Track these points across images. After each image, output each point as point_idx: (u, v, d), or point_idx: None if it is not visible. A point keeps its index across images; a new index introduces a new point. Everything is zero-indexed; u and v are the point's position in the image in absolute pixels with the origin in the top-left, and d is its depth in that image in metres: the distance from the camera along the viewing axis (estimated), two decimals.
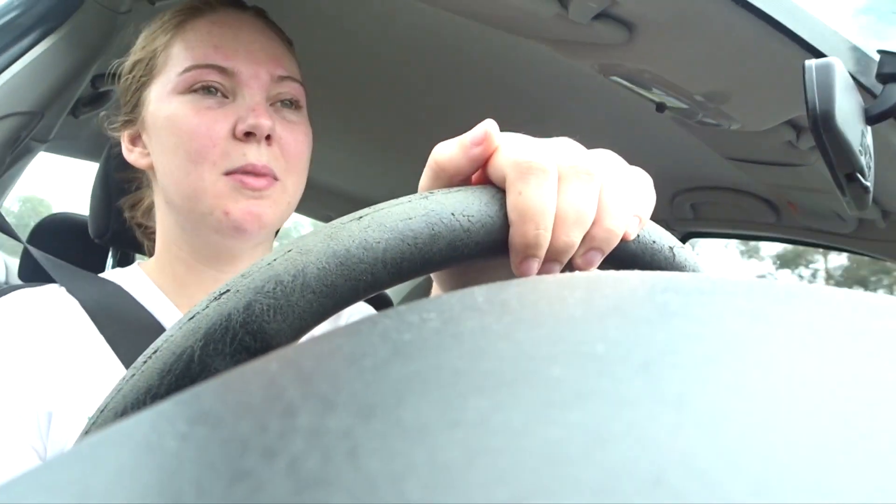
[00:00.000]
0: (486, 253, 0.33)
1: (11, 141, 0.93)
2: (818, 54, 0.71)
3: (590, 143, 0.39)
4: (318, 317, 0.30)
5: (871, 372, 0.13)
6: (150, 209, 0.81)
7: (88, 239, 0.98)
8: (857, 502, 0.09)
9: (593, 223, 0.35)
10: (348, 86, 1.18)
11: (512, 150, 0.34)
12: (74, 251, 1.03)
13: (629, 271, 0.19)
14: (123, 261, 1.20)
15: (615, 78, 0.90)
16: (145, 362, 0.29)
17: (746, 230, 1.35)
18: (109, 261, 1.20)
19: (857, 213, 0.68)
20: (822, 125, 0.55)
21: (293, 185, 0.70)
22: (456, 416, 0.11)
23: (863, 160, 0.60)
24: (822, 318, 0.16)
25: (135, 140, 0.74)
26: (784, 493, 0.09)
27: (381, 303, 0.88)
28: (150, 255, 0.83)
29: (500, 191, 0.34)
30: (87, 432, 0.29)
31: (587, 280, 0.18)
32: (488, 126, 0.36)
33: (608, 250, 0.35)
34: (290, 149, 0.69)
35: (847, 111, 0.57)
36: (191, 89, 0.67)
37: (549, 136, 0.40)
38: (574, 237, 0.34)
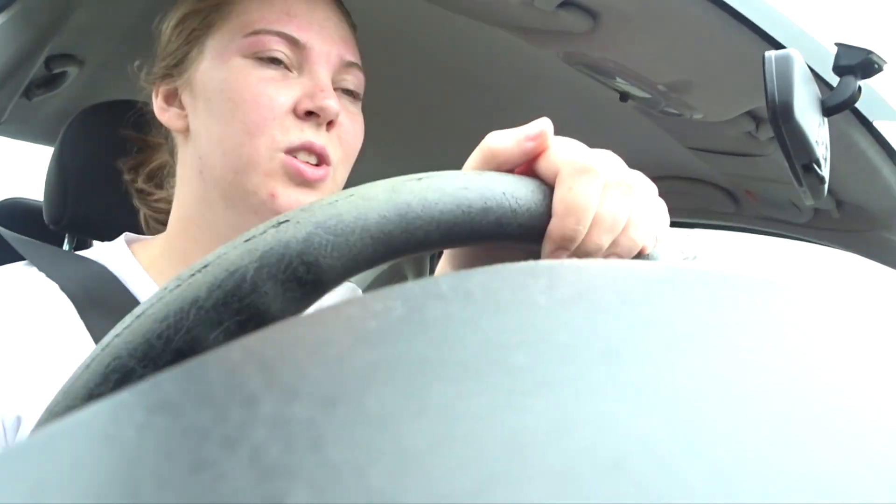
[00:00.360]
0: (525, 236, 0.36)
1: None
2: (778, 46, 0.73)
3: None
4: (371, 261, 0.31)
5: (826, 358, 0.13)
6: (154, 174, 0.75)
7: (43, 225, 0.95)
8: (812, 485, 0.09)
9: (621, 231, 0.38)
10: None
11: (568, 151, 0.38)
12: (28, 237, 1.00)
13: (592, 259, 0.20)
14: (80, 248, 1.17)
15: (580, 67, 0.90)
16: (193, 275, 0.29)
17: (706, 219, 1.38)
18: (65, 248, 1.17)
19: (813, 203, 0.70)
20: (780, 116, 0.56)
21: (342, 174, 0.66)
22: (420, 404, 0.11)
23: (819, 151, 0.61)
24: (781, 306, 0.16)
25: (170, 98, 0.67)
26: (741, 477, 0.09)
27: None
28: (146, 225, 0.78)
29: (543, 184, 0.37)
30: (117, 335, 0.29)
31: (550, 268, 0.18)
32: (545, 124, 0.39)
33: (627, 258, 0.38)
34: (348, 137, 0.65)
35: (805, 103, 0.58)
36: (255, 54, 0.62)
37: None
38: (604, 240, 0.37)
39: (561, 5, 0.75)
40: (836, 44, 0.66)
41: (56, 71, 1.07)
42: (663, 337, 0.14)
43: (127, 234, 0.72)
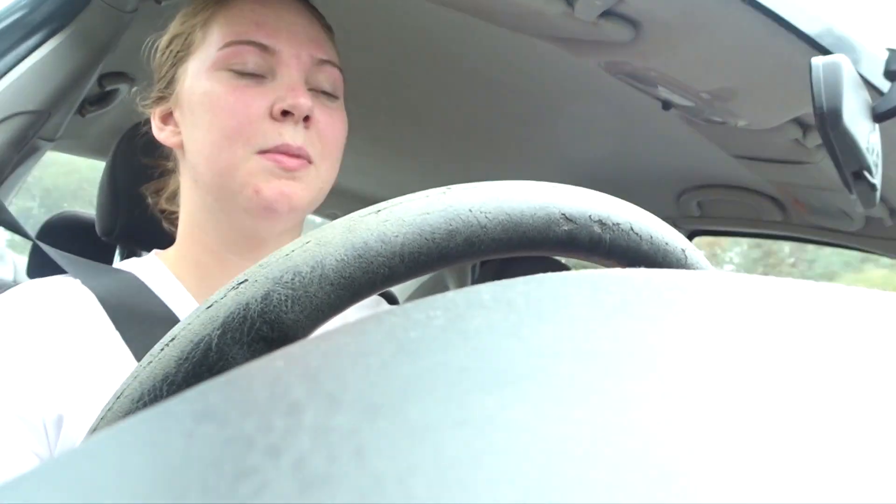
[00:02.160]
0: (502, 249, 0.34)
1: (18, 140, 0.94)
2: (825, 52, 0.71)
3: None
4: (335, 308, 0.30)
5: (878, 370, 0.13)
6: (175, 194, 0.79)
7: (96, 237, 0.98)
8: (856, 501, 0.09)
9: None
10: (353, 85, 1.18)
11: None
12: (82, 250, 1.03)
13: (635, 269, 0.19)
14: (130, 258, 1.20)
15: (621, 76, 0.89)
16: (162, 349, 0.29)
17: (753, 228, 1.35)
18: (117, 259, 1.20)
19: (865, 210, 0.68)
20: (829, 123, 0.55)
21: (326, 170, 0.69)
22: (462, 414, 0.11)
23: (870, 158, 0.59)
24: (829, 314, 0.16)
25: (166, 118, 0.72)
26: (794, 487, 0.09)
27: (387, 301, 0.88)
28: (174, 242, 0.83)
29: (518, 187, 0.35)
30: (102, 418, 0.29)
31: (593, 278, 0.18)
32: None
33: None
34: (327, 133, 0.68)
35: (854, 109, 0.57)
36: (229, 66, 0.66)
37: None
38: None
39: (602, 15, 0.75)
40: (888, 49, 0.65)
41: (108, 88, 1.11)
42: (707, 346, 0.14)
43: (156, 250, 0.77)
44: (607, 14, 0.75)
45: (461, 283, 1.83)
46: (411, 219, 0.31)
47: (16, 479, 0.12)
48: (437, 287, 1.86)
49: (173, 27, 0.73)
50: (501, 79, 1.10)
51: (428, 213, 0.32)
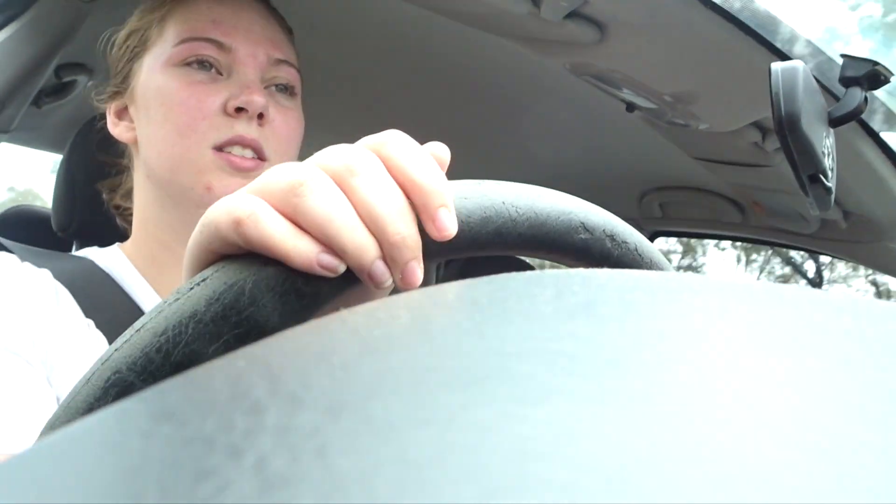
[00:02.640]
0: (525, 247, 0.35)
1: None
2: (784, 57, 0.73)
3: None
4: None
5: (832, 369, 0.13)
6: (130, 191, 0.78)
7: (51, 232, 0.96)
8: (817, 501, 0.09)
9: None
10: (320, 81, 1.17)
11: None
12: (37, 244, 1.01)
13: (598, 269, 0.20)
14: None
15: (586, 77, 0.90)
16: (192, 288, 0.29)
17: (713, 230, 1.37)
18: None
19: (820, 213, 0.69)
20: (787, 127, 0.56)
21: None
22: (425, 413, 0.11)
23: (826, 162, 0.61)
24: (787, 316, 0.16)
25: (121, 113, 0.72)
26: (747, 493, 0.09)
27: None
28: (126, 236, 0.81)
29: (546, 191, 0.36)
30: (117, 349, 0.29)
31: (557, 278, 0.18)
32: None
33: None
34: (282, 131, 0.68)
35: (811, 114, 0.58)
36: (184, 62, 0.66)
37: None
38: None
39: (568, 16, 0.76)
40: (842, 55, 0.66)
41: (66, 79, 1.08)
42: (670, 347, 0.14)
43: (118, 243, 0.75)
44: (573, 15, 0.76)
45: (425, 283, 1.83)
46: (457, 202, 0.33)
47: None
48: None
49: (131, 22, 0.72)
50: (469, 78, 1.10)
51: (466, 198, 0.33)
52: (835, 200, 0.68)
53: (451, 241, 0.32)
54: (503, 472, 0.10)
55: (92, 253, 0.72)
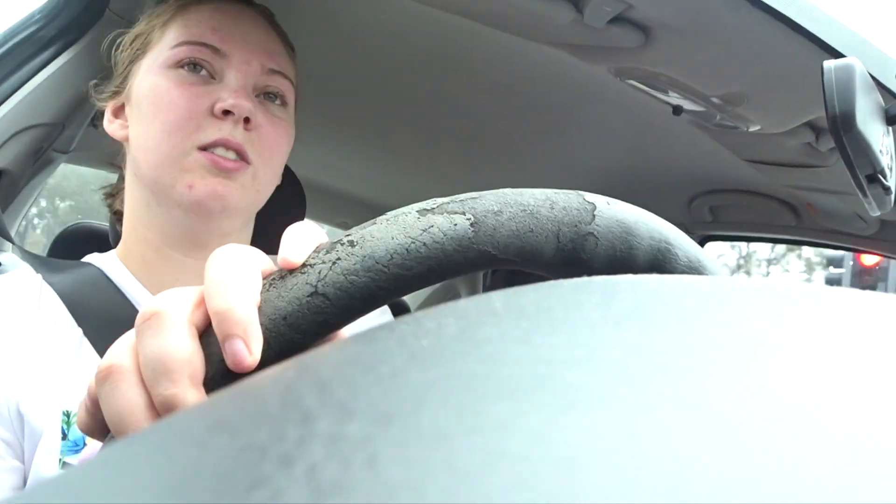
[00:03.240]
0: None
1: (34, 152, 0.95)
2: (836, 55, 0.71)
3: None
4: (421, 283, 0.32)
5: (892, 373, 0.13)
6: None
7: (109, 248, 0.99)
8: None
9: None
10: (361, 93, 1.18)
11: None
12: None
13: (646, 275, 0.19)
14: None
15: (631, 81, 0.89)
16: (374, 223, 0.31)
17: (766, 233, 1.34)
18: None
19: (879, 214, 0.67)
20: (841, 127, 0.55)
21: (265, 175, 0.70)
22: (474, 421, 0.11)
23: (884, 161, 0.59)
24: (844, 320, 0.15)
25: (117, 112, 0.74)
26: (810, 501, 0.09)
27: (399, 311, 0.88)
28: None
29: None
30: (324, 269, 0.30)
31: (604, 284, 0.18)
32: None
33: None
34: (268, 138, 0.69)
35: (867, 112, 0.56)
36: (179, 64, 0.68)
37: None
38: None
39: (611, 21, 0.75)
40: None
41: None
42: (721, 353, 0.14)
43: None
44: (616, 20, 0.75)
45: (473, 291, 1.83)
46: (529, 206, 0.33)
47: (28, 490, 0.12)
48: (449, 295, 1.86)
49: (137, 27, 0.74)
50: (512, 86, 1.10)
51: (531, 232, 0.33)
52: (895, 200, 0.66)
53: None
54: (553, 480, 0.09)
55: (94, 258, 0.74)
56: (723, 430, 0.11)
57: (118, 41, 0.76)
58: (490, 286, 1.62)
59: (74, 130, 1.02)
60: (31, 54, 0.86)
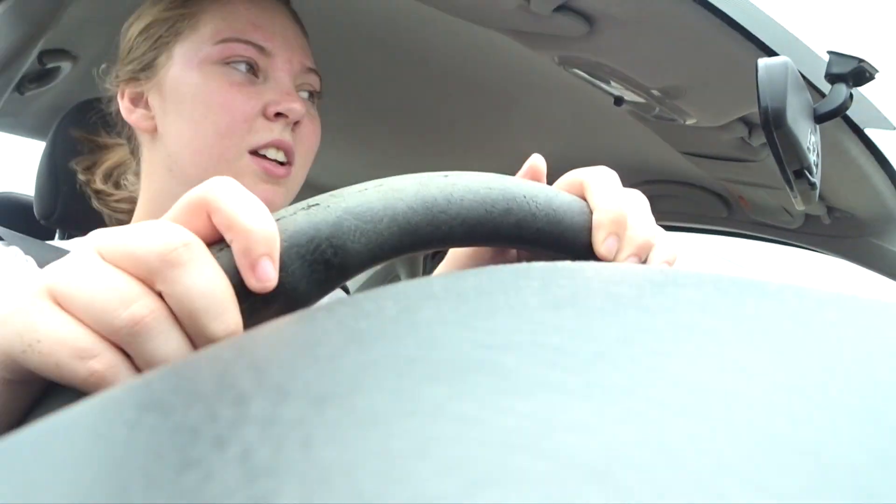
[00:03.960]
0: (540, 242, 0.36)
1: None
2: (771, 53, 0.73)
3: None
4: (396, 251, 0.32)
5: (815, 363, 0.13)
6: (109, 173, 0.77)
7: (33, 220, 0.95)
8: (800, 501, 0.09)
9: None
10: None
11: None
12: (20, 232, 0.99)
13: (584, 262, 0.20)
14: None
15: (575, 70, 0.90)
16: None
17: (699, 224, 1.38)
18: (56, 242, 1.16)
19: (804, 208, 0.70)
20: (773, 122, 0.57)
21: (300, 175, 0.70)
22: (410, 405, 0.11)
23: (811, 157, 0.61)
24: (770, 310, 0.16)
25: (136, 100, 0.71)
26: (725, 489, 0.09)
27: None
28: (108, 225, 0.80)
29: (562, 193, 0.39)
30: None
31: (543, 270, 0.18)
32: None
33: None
34: (309, 139, 0.70)
35: (797, 109, 0.59)
36: (224, 61, 0.66)
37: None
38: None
39: (557, 9, 0.75)
40: (829, 52, 0.67)
41: (49, 66, 1.07)
42: (654, 341, 0.14)
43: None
44: (562, 8, 0.76)
45: (413, 275, 1.83)
46: (476, 188, 0.34)
47: None
48: (389, 278, 1.85)
49: (151, 11, 0.71)
50: (455, 71, 1.10)
51: (490, 189, 0.34)
52: (819, 196, 0.69)
53: (475, 227, 0.33)
54: (487, 464, 0.10)
55: (77, 245, 0.71)
56: (654, 417, 0.11)
57: (128, 24, 0.73)
58: (429, 270, 1.63)
59: None
60: None
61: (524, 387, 0.12)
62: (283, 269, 0.29)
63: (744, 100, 0.85)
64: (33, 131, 1.39)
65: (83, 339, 0.27)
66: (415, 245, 0.32)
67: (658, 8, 0.73)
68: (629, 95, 0.92)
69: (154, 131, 0.70)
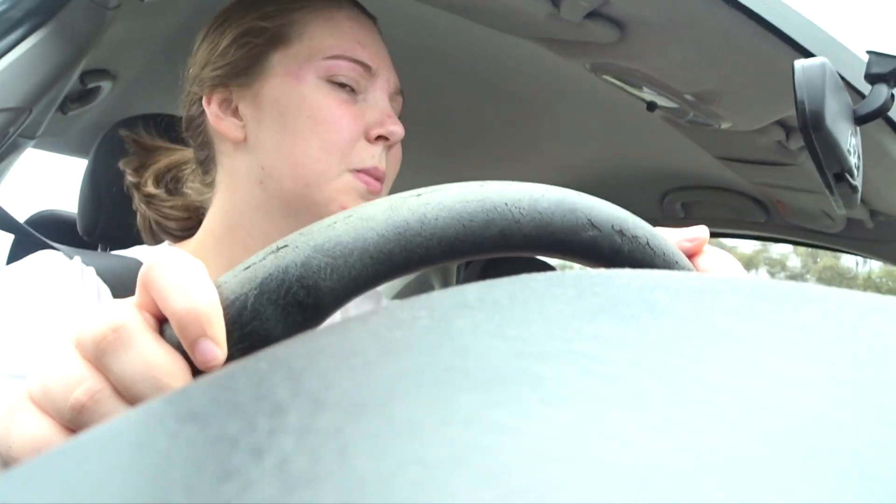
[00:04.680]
0: (530, 246, 0.35)
1: None
2: (808, 54, 0.72)
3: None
4: (371, 282, 0.31)
5: (859, 371, 0.13)
6: (161, 176, 0.76)
7: (77, 237, 0.97)
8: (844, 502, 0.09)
9: None
10: None
11: (713, 263, 0.43)
12: None
13: (619, 269, 0.20)
14: None
15: (607, 77, 0.90)
16: None
17: (737, 229, 1.36)
18: None
19: (846, 212, 0.68)
20: (811, 125, 0.56)
21: (387, 192, 0.70)
22: (446, 414, 0.11)
23: (851, 160, 0.60)
24: (812, 316, 0.16)
25: (223, 107, 0.70)
26: (769, 499, 0.09)
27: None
28: (149, 231, 0.78)
29: (547, 192, 0.36)
30: None
31: (578, 278, 0.18)
32: (702, 232, 0.43)
33: None
34: (395, 161, 0.70)
35: (836, 111, 0.57)
36: (331, 77, 0.66)
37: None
38: None
39: (588, 16, 0.75)
40: (868, 52, 0.65)
41: (90, 86, 1.09)
42: (691, 348, 0.14)
43: (168, 242, 0.75)
44: (593, 15, 0.75)
45: (446, 284, 1.83)
46: (451, 203, 0.33)
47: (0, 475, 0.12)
48: (423, 287, 1.86)
49: (244, 20, 0.70)
50: (487, 80, 1.10)
51: (467, 202, 0.33)
52: (861, 199, 0.67)
53: (454, 244, 0.32)
54: (523, 473, 0.10)
55: (140, 253, 0.71)
56: (692, 425, 0.11)
57: (220, 27, 0.71)
58: (464, 279, 1.63)
59: (42, 115, 0.99)
60: None
61: (560, 395, 0.12)
62: (256, 316, 0.29)
63: (780, 103, 0.83)
64: (76, 150, 1.43)
65: (47, 434, 0.29)
66: (391, 272, 0.31)
67: (690, 12, 0.73)
68: (662, 101, 0.91)
69: (243, 141, 0.68)
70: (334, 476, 0.10)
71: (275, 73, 0.67)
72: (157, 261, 0.31)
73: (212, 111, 0.70)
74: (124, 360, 0.28)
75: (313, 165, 0.65)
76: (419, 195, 0.33)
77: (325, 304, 0.30)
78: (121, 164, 0.81)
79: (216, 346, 0.28)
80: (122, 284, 0.64)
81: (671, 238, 0.41)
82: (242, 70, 0.69)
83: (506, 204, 0.33)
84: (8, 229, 0.86)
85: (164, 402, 0.13)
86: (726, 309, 0.16)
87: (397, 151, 0.70)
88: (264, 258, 0.30)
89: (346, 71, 0.67)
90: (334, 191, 0.65)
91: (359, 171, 0.65)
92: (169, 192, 0.78)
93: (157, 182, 0.77)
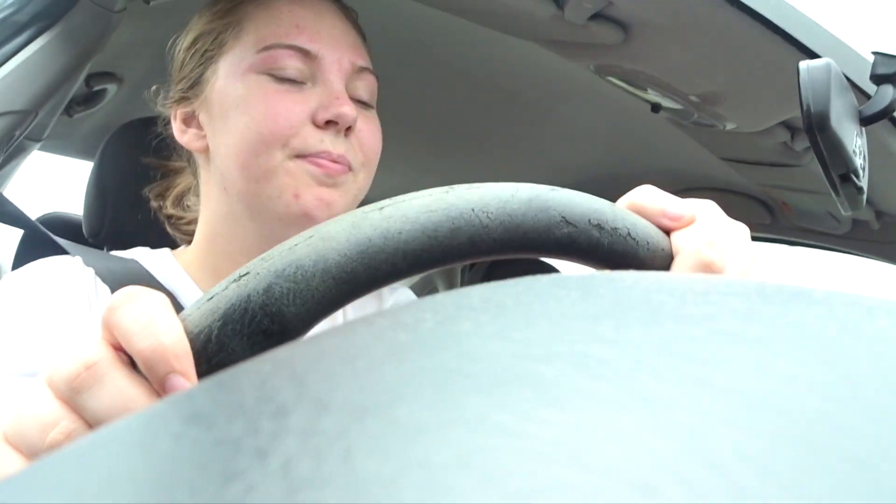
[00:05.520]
0: (501, 250, 0.34)
1: (5, 140, 0.93)
2: (813, 55, 0.72)
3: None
4: (337, 303, 0.31)
5: (864, 373, 0.13)
6: (180, 198, 0.76)
7: (82, 238, 0.98)
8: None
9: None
10: None
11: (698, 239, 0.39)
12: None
13: (624, 272, 0.19)
14: None
15: (611, 78, 0.90)
16: None
17: None
18: None
19: (851, 213, 0.68)
20: (816, 126, 0.55)
21: (363, 178, 0.67)
22: (450, 416, 0.11)
23: (857, 161, 0.60)
24: (817, 318, 0.16)
25: (189, 121, 0.69)
26: (775, 501, 0.09)
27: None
28: (176, 247, 0.79)
29: (518, 191, 0.35)
30: None
31: (582, 280, 0.18)
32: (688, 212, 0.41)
33: None
34: (368, 142, 0.66)
35: (841, 112, 0.57)
36: (268, 70, 0.63)
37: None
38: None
39: (592, 18, 0.75)
40: (874, 52, 0.65)
41: (96, 88, 1.10)
42: (696, 350, 0.14)
43: (167, 248, 0.75)
44: (597, 17, 0.75)
45: (450, 286, 1.83)
46: (414, 216, 0.32)
47: (4, 479, 0.12)
48: (427, 289, 1.86)
49: (198, 25, 0.69)
50: (492, 81, 1.10)
51: (431, 211, 0.32)
52: (867, 200, 0.67)
53: (420, 256, 0.31)
54: (527, 475, 0.10)
55: (139, 254, 0.71)
56: (696, 426, 0.11)
57: (174, 43, 0.71)
58: (468, 281, 1.63)
59: (47, 118, 1.00)
60: (3, 40, 0.84)
61: (564, 398, 0.12)
62: (222, 348, 0.29)
63: (785, 104, 0.83)
64: (81, 152, 1.43)
65: None
66: (356, 292, 0.31)
67: (694, 13, 0.72)
68: (666, 102, 0.91)
69: (206, 151, 0.67)
70: (338, 478, 0.10)
71: (220, 76, 0.66)
72: (118, 301, 0.30)
73: (177, 126, 0.70)
74: (100, 397, 0.28)
75: (257, 159, 0.62)
76: (381, 209, 0.32)
77: (292, 330, 0.30)
78: (146, 192, 0.81)
79: (186, 378, 0.28)
80: (121, 285, 0.64)
81: (656, 204, 0.40)
82: (196, 79, 0.68)
83: (472, 210, 0.33)
84: (17, 225, 0.86)
85: (169, 404, 0.13)
86: (731, 311, 0.16)
87: (366, 135, 0.66)
88: (226, 287, 0.30)
89: (282, 59, 0.63)
90: (283, 180, 0.61)
91: (305, 156, 0.62)
92: (185, 210, 0.78)
93: (176, 203, 0.77)
